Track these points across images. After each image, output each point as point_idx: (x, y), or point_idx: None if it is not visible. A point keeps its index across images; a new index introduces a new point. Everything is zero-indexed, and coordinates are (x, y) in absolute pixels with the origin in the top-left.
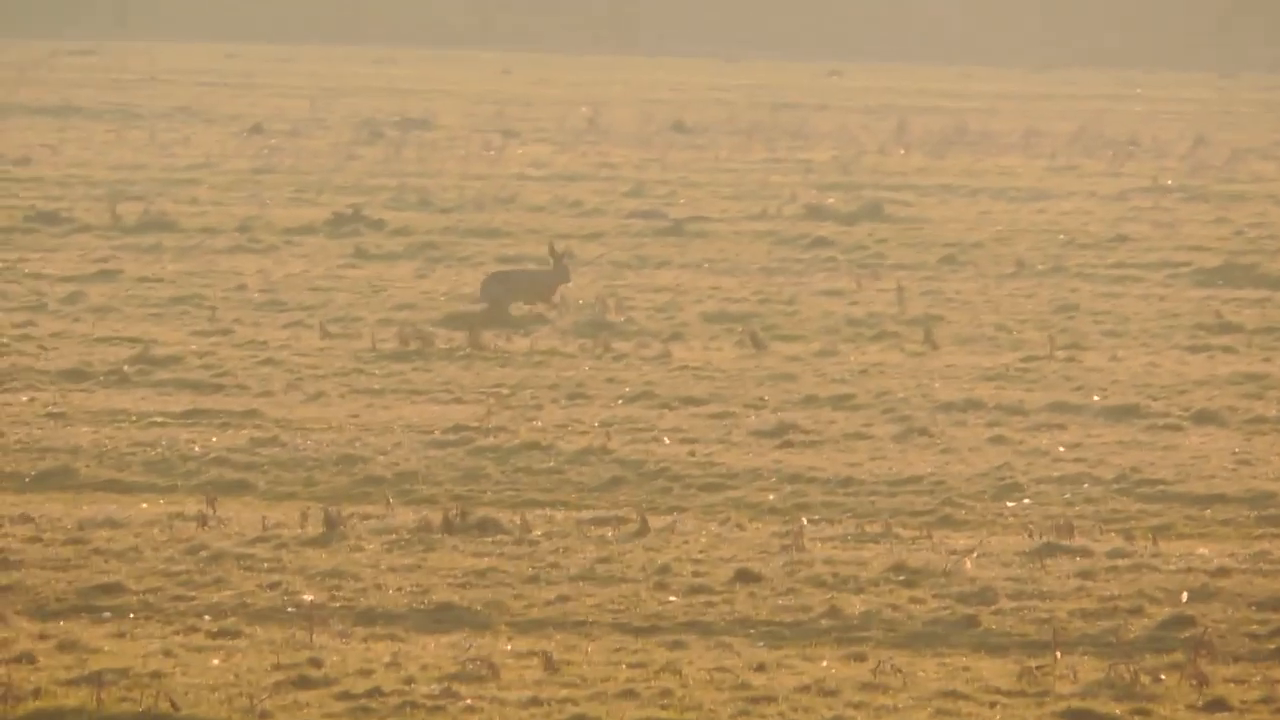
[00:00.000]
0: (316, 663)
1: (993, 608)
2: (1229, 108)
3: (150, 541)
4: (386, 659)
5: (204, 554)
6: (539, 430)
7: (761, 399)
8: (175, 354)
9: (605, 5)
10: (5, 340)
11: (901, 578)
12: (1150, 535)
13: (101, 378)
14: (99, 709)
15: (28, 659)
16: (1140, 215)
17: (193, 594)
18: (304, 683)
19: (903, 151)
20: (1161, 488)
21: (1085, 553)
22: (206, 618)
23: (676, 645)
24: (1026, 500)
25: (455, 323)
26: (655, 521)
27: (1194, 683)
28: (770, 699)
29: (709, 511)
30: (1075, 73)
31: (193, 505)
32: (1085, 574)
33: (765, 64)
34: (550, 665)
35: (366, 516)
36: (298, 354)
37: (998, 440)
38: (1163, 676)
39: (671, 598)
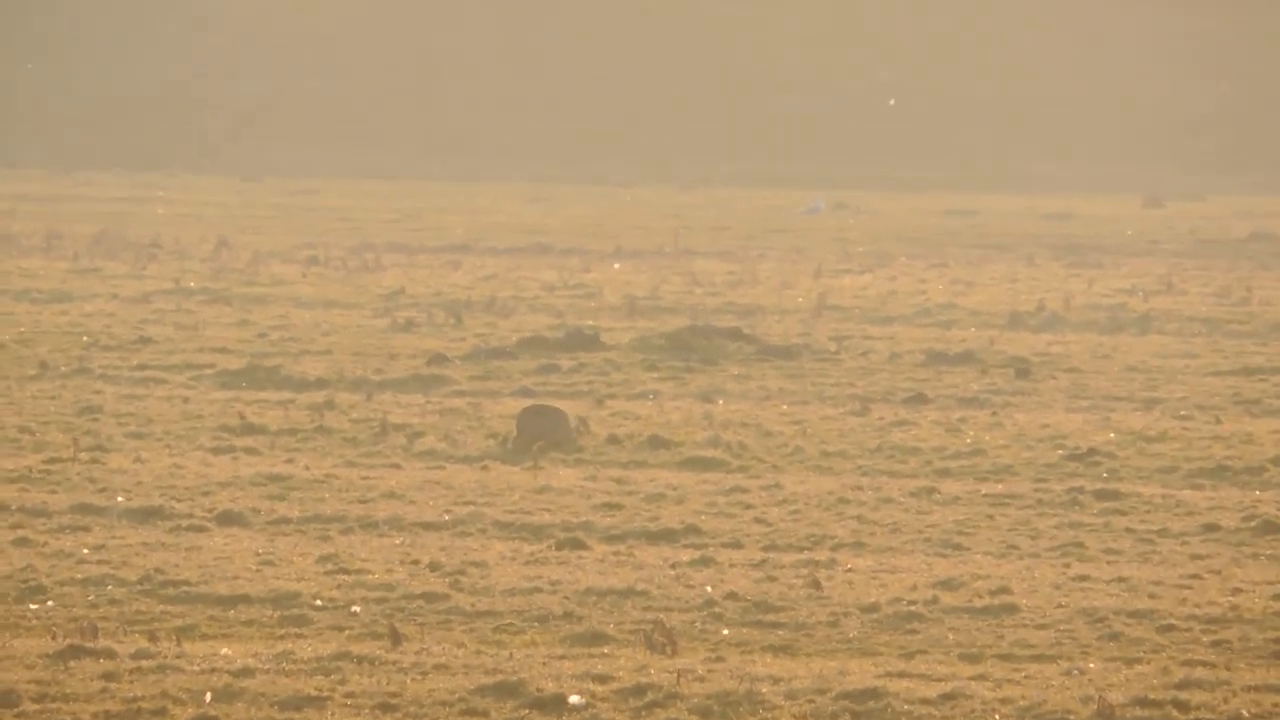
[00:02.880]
0: None
1: (15, 710)
2: (251, 210)
3: None
4: None
5: None
6: None
7: None
8: None
9: None
10: None
11: None
12: (174, 636)
13: None
14: None
15: None
16: (164, 317)
17: None
18: None
19: None
20: (185, 589)
21: (109, 654)
22: None
23: None
24: (50, 602)
25: None
26: None
27: None
28: None
29: None
30: (94, 175)
31: None
32: (109, 675)
33: None
34: None
35: None
36: None
37: (21, 542)
38: None
39: None
